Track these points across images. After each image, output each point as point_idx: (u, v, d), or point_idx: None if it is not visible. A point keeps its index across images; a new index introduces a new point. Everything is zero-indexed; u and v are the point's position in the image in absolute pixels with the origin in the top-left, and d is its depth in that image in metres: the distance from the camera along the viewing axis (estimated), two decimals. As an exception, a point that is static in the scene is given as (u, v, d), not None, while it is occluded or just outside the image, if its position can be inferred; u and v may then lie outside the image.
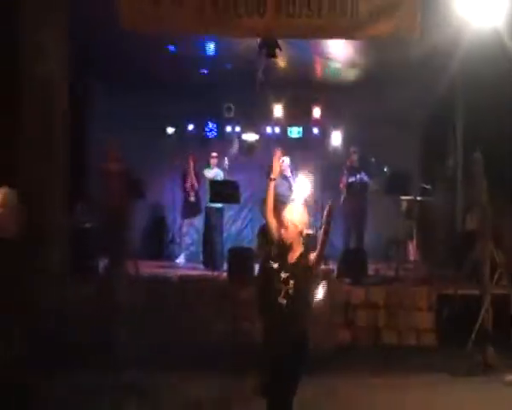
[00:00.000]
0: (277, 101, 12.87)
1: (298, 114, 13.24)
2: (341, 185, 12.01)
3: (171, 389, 7.12)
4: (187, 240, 13.31)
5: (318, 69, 12.35)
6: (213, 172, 12.35)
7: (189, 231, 13.32)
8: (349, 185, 11.86)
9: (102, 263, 9.84)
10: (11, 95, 9.05)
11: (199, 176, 12.67)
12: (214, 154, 12.47)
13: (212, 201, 11.89)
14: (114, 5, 8.79)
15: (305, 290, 4.97)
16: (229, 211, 13.43)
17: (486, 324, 8.21)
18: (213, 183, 11.84)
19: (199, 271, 11.75)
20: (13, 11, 8.91)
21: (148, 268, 11.23)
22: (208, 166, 12.44)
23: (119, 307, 8.28)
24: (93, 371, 7.29)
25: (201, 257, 12.74)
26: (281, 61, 10.71)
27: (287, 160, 11.90)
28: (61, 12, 9.25)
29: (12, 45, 9.02)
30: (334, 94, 13.14)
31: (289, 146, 12.84)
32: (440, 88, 11.54)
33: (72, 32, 9.32)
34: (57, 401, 6.46)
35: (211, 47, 11.19)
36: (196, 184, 12.67)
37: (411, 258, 11.61)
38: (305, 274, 4.83)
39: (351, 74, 12.48)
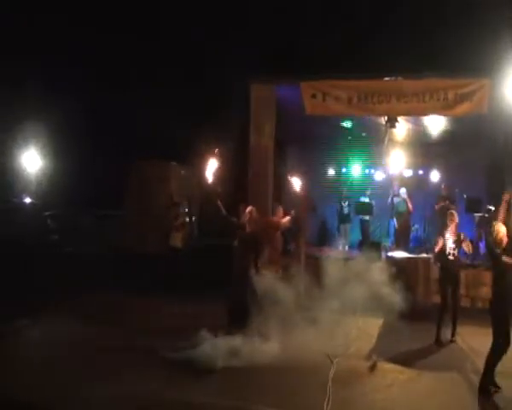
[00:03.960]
0: (396, 153, 12.08)
1: (409, 161, 12.53)
2: (436, 207, 11.59)
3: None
4: (342, 236, 13.17)
5: (422, 134, 12.06)
6: (364, 199, 12.78)
7: (343, 231, 13.15)
8: (440, 208, 11.31)
9: (291, 246, 10.61)
10: (246, 154, 10.50)
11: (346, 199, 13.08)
12: (368, 192, 12.85)
13: (357, 213, 12.56)
14: (301, 103, 9.87)
15: None
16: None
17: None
18: (358, 203, 12.51)
19: (348, 253, 11.66)
20: (248, 112, 10.41)
21: (321, 251, 11.41)
22: (363, 194, 12.93)
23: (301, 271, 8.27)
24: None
25: (347, 247, 12.92)
26: (399, 130, 10.94)
27: (403, 189, 11.98)
28: (271, 112, 10.43)
29: (246, 130, 10.46)
30: (432, 149, 12.83)
31: (404, 182, 12.75)
32: (499, 146, 11.18)
33: (277, 121, 10.51)
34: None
35: (355, 123, 11.57)
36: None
37: (481, 252, 10.84)
38: None
39: (443, 136, 12.00)
